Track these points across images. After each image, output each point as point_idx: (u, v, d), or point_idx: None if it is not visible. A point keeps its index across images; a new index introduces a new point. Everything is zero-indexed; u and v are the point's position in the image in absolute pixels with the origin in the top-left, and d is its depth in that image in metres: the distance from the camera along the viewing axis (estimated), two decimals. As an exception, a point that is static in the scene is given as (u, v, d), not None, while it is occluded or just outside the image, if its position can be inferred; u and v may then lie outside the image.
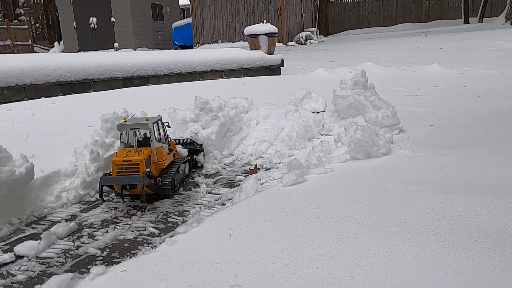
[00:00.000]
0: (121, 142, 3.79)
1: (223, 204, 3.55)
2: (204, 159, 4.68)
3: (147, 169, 3.51)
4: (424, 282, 1.76)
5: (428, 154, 3.65)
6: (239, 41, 17.71)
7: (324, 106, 5.87)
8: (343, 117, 5.39)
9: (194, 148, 4.57)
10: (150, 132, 3.71)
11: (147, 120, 3.69)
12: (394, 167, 3.33)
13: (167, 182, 3.65)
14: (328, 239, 2.23)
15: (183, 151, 4.43)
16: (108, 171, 3.65)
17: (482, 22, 18.86)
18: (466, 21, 19.58)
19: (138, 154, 3.54)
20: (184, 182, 4.15)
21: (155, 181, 3.58)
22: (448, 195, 2.59)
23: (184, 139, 4.62)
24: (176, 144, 4.49)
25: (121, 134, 3.76)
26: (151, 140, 3.72)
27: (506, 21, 15.85)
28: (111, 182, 3.51)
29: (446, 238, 2.06)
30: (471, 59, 10.22)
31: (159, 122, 3.95)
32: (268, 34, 9.39)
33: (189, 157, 4.41)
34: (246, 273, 2.01)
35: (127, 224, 3.27)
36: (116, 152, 3.73)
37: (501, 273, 1.73)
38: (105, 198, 3.76)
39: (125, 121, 3.77)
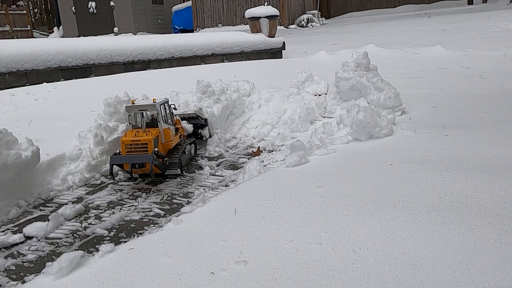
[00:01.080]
0: (129, 123, 3.91)
1: (226, 186, 3.60)
2: (209, 133, 4.73)
3: (155, 149, 3.61)
4: (424, 256, 1.80)
5: (430, 134, 3.67)
6: (240, 24, 17.52)
7: (326, 89, 5.86)
8: (345, 99, 5.38)
9: (199, 122, 4.67)
10: (157, 114, 3.81)
11: (154, 101, 3.79)
12: (396, 148, 3.35)
13: (174, 162, 3.76)
14: (331, 217, 2.27)
15: (188, 127, 4.56)
16: (118, 151, 3.75)
17: (486, 2, 18.55)
18: (470, 2, 19.25)
19: (147, 134, 3.65)
20: (191, 163, 4.24)
21: (163, 160, 3.69)
22: (449, 173, 2.62)
23: (188, 114, 4.71)
24: (182, 119, 4.59)
25: (129, 115, 3.87)
26: (159, 121, 3.83)
27: (510, 2, 15.59)
28: (122, 160, 3.60)
29: (447, 214, 2.10)
30: (474, 41, 10.11)
31: (165, 104, 4.04)
32: (269, 17, 9.29)
33: (194, 139, 4.51)
34: (252, 249, 2.06)
35: (132, 205, 3.33)
36: (125, 132, 3.85)
37: (500, 246, 1.78)
38: (111, 180, 3.83)
39: (133, 103, 3.86)
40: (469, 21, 12.47)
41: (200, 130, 4.70)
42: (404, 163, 2.92)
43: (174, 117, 4.40)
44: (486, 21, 12.07)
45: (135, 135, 3.67)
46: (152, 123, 3.87)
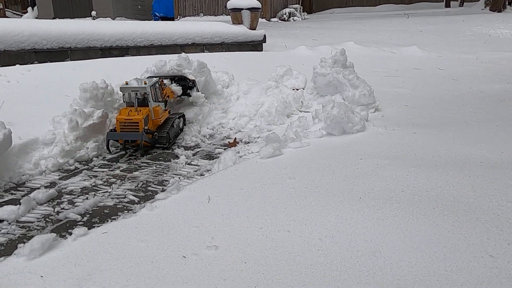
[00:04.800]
0: (124, 101, 4.39)
1: (202, 175, 3.65)
2: (197, 90, 5.09)
3: (145, 127, 4.13)
4: (384, 244, 1.93)
5: (399, 131, 3.83)
6: (222, 14, 17.39)
7: (304, 83, 5.96)
8: (322, 95, 5.50)
9: (186, 84, 5.06)
10: (148, 94, 4.22)
11: (145, 84, 4.23)
12: (367, 143, 3.49)
13: (163, 136, 4.32)
14: (300, 206, 2.37)
15: (177, 89, 4.98)
16: (113, 127, 4.20)
17: (462, 6, 19.14)
18: (447, 5, 19.82)
19: (138, 114, 4.13)
20: (179, 135, 4.71)
21: (152, 135, 4.23)
22: (413, 168, 2.77)
23: (176, 76, 5.04)
24: (170, 80, 4.97)
25: (123, 95, 4.35)
26: (149, 101, 4.29)
27: (485, 7, 16.14)
28: (116, 137, 4.17)
29: (407, 206, 2.24)
30: (449, 43, 10.46)
31: (156, 84, 4.48)
32: (251, 9, 9.29)
33: (183, 113, 4.95)
34: (223, 235, 2.14)
35: (107, 191, 3.34)
36: (120, 110, 4.27)
37: (452, 236, 1.93)
38: (84, 167, 3.83)
39: (126, 84, 4.28)
40: (445, 23, 12.85)
41: (188, 91, 5.09)
42: (373, 158, 3.06)
43: (164, 85, 4.79)
44: (461, 24, 12.48)
45: (128, 114, 4.13)
46: (144, 101, 4.30)
